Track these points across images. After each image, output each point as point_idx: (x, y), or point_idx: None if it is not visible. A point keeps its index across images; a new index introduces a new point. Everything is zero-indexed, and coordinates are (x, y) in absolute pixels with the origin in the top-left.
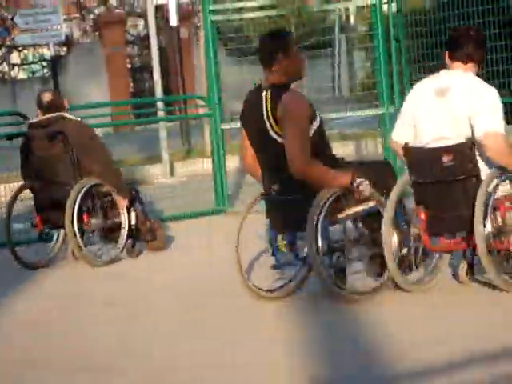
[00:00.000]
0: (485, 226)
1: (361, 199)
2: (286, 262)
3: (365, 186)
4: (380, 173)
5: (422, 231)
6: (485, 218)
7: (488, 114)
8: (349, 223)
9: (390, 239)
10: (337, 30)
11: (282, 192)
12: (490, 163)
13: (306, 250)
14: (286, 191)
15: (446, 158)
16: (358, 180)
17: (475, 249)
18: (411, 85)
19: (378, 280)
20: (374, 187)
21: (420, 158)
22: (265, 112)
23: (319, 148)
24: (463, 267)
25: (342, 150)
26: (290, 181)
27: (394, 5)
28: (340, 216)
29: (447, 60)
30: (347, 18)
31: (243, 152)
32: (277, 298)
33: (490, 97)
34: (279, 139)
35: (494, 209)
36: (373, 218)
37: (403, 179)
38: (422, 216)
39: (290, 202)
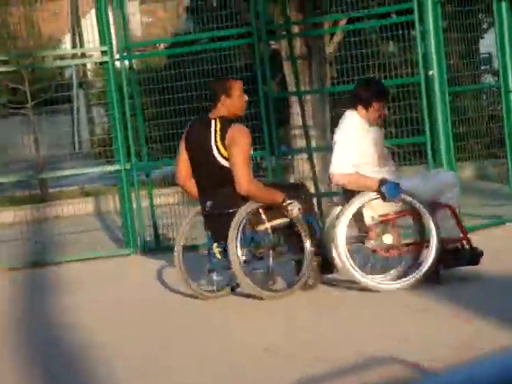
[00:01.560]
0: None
1: (281, 214)
2: (221, 266)
3: (293, 206)
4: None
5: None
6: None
7: (336, 153)
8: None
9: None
10: (75, 85)
11: (216, 207)
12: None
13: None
14: (219, 206)
15: None
16: (288, 200)
17: None
18: (147, 142)
19: (293, 283)
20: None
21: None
22: (213, 137)
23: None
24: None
25: (82, 205)
26: (222, 197)
27: (127, 62)
28: (261, 227)
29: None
30: (85, 73)
31: (177, 169)
32: (219, 296)
33: (342, 133)
34: (224, 162)
35: None
36: (290, 230)
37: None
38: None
39: (221, 216)
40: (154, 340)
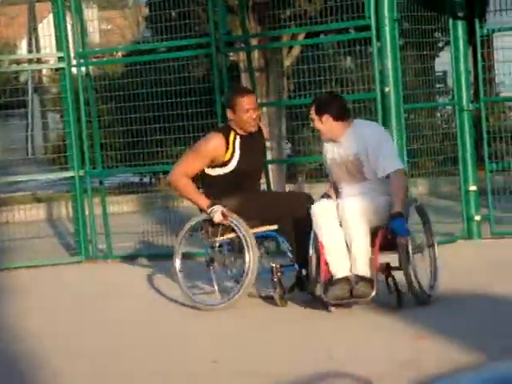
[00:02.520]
0: None
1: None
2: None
3: (214, 214)
4: (274, 203)
5: None
6: None
7: None
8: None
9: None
10: (30, 90)
11: None
12: None
13: None
14: None
15: None
16: (212, 208)
17: None
18: (102, 149)
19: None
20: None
21: None
22: None
23: (233, 184)
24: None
25: (34, 211)
26: None
27: (83, 68)
28: (216, 239)
29: (332, 122)
30: (40, 79)
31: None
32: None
33: None
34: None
35: None
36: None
37: None
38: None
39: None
40: (101, 350)
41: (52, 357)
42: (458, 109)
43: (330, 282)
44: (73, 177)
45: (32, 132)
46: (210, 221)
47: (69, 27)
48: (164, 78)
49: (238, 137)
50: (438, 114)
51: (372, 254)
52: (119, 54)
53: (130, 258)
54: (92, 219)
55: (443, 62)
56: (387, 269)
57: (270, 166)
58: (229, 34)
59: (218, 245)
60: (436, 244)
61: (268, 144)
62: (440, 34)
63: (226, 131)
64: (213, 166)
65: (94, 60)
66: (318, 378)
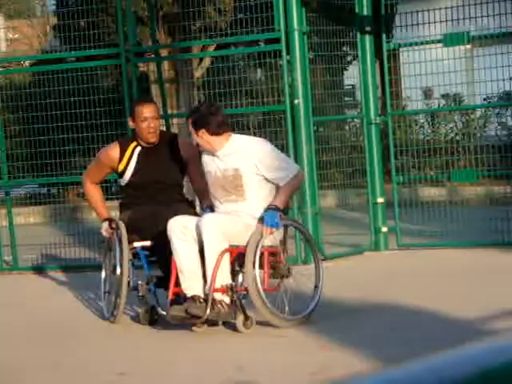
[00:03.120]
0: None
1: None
2: None
3: (102, 227)
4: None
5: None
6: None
7: None
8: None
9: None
10: None
11: None
12: None
13: None
14: None
15: None
16: (104, 221)
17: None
18: (8, 159)
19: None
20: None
21: None
22: None
23: (133, 196)
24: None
25: None
26: None
27: None
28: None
29: (208, 136)
30: None
31: None
32: None
33: None
34: None
35: None
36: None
37: None
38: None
39: None
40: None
41: None
42: (366, 122)
43: (175, 300)
44: None
45: None
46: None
47: None
48: (73, 88)
49: (138, 148)
50: (347, 127)
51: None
52: (26, 63)
53: (37, 270)
54: None
55: (352, 75)
56: (231, 290)
57: None
58: (138, 44)
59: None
60: (320, 262)
61: None
62: (348, 48)
63: (127, 141)
64: (119, 175)
65: (1, 69)
66: None
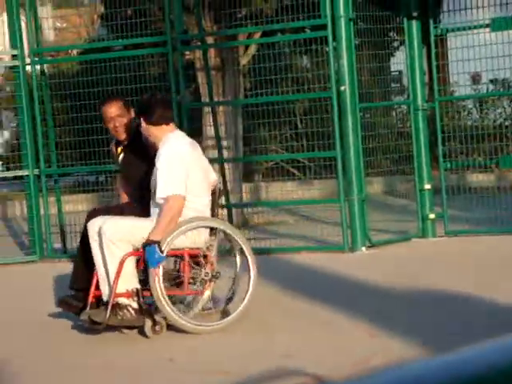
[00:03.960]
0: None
1: None
2: None
3: None
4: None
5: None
6: None
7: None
8: None
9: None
10: None
11: None
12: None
13: None
14: None
15: None
16: None
17: None
18: (56, 147)
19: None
20: None
21: None
22: None
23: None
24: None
25: None
26: None
27: (38, 67)
28: None
29: (145, 125)
30: None
31: None
32: None
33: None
34: None
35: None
36: None
37: None
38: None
39: None
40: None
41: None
42: (413, 108)
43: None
44: (27, 175)
45: None
46: None
47: (23, 25)
48: (119, 76)
49: (120, 145)
50: (394, 113)
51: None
52: (74, 52)
53: None
54: (47, 218)
55: (398, 61)
56: (137, 294)
57: (226, 165)
58: (185, 32)
59: None
60: (251, 261)
61: (224, 143)
62: (395, 34)
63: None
64: None
65: (49, 58)
66: (270, 375)
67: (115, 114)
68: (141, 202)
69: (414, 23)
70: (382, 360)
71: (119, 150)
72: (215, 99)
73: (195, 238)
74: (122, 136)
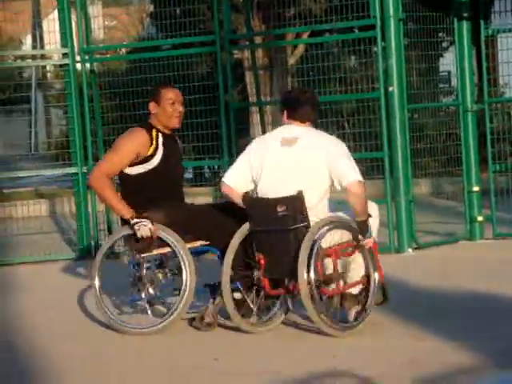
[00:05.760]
0: (308, 272)
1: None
2: None
3: (141, 227)
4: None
5: (262, 276)
6: (309, 264)
7: (350, 163)
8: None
9: (228, 284)
10: (34, 86)
11: None
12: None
13: None
14: None
15: (279, 208)
16: (136, 220)
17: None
18: (105, 146)
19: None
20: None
21: (257, 207)
22: None
23: (154, 189)
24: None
25: (36, 207)
26: None
27: (88, 65)
28: (144, 255)
29: (285, 120)
30: (44, 75)
31: None
32: None
33: (343, 146)
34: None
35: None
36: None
37: (244, 226)
38: (262, 261)
39: None
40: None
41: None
42: (462, 109)
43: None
44: (76, 173)
45: (35, 128)
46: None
47: (73, 23)
48: (168, 75)
49: (160, 134)
50: (442, 114)
51: None
52: (123, 50)
53: None
54: (95, 216)
55: (447, 62)
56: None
57: None
58: (233, 32)
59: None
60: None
61: None
62: (444, 34)
63: (147, 127)
64: (133, 163)
65: (99, 56)
66: (319, 376)
67: (179, 99)
68: (178, 197)
69: (465, 24)
70: (426, 363)
71: (154, 137)
72: (263, 99)
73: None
74: (178, 124)
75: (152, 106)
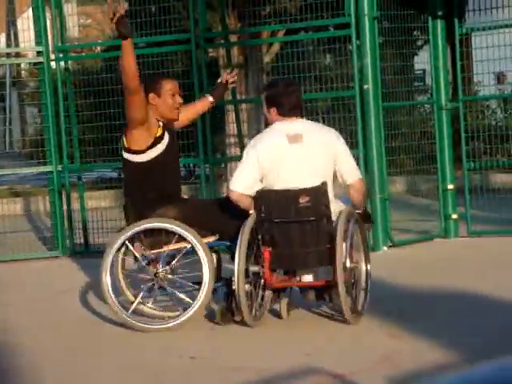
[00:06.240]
0: (350, 261)
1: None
2: None
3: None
4: (215, 212)
5: (266, 268)
6: (349, 253)
7: (353, 161)
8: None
9: (242, 277)
10: (8, 85)
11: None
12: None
13: None
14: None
15: (302, 200)
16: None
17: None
18: (80, 144)
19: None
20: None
21: (275, 199)
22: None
23: (159, 184)
24: (284, 304)
25: (11, 206)
26: None
27: (62, 63)
28: (155, 251)
29: (274, 118)
30: (19, 73)
31: None
32: None
33: (343, 140)
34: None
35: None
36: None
37: (251, 218)
38: (266, 254)
39: None
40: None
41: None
42: (437, 107)
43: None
44: (51, 171)
45: (10, 126)
46: (150, 231)
47: (48, 21)
48: (143, 73)
49: (161, 123)
50: (416, 113)
51: None
52: (98, 48)
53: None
54: (69, 214)
55: (422, 60)
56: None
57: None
58: (208, 30)
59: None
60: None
61: (247, 141)
62: (419, 33)
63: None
64: (142, 150)
65: (73, 54)
66: (294, 373)
67: (178, 90)
68: (180, 191)
69: (439, 22)
70: (401, 361)
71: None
72: (238, 97)
73: None
74: (177, 115)
75: (152, 98)
